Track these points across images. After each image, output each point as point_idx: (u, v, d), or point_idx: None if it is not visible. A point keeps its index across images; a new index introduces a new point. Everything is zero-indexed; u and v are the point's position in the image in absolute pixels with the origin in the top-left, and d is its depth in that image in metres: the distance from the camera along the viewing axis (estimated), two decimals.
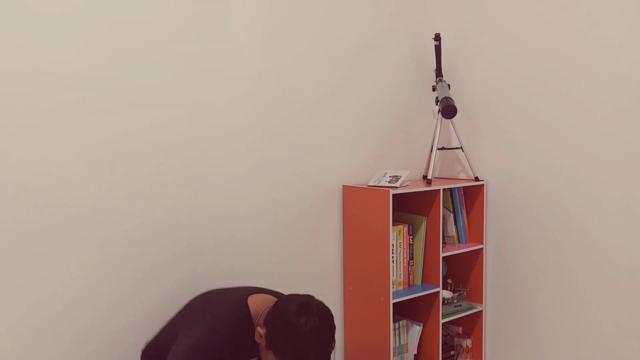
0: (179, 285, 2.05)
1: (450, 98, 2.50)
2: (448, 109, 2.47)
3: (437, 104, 2.61)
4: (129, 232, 1.93)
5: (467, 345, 2.69)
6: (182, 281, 2.06)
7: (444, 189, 2.44)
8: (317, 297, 2.41)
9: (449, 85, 2.62)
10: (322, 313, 1.59)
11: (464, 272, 2.72)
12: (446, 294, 2.57)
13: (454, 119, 2.55)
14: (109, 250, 1.89)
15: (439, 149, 2.63)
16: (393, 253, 2.35)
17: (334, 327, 1.62)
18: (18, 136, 1.70)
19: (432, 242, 2.45)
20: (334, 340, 1.61)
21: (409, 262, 2.44)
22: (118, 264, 1.91)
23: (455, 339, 2.73)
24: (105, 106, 1.85)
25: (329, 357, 1.58)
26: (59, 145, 1.77)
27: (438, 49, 2.63)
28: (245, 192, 2.20)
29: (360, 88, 2.54)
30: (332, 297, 2.49)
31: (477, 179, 2.63)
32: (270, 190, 2.27)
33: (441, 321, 2.45)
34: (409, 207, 2.53)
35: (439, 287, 2.44)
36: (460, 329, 2.73)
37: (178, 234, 2.04)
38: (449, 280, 2.69)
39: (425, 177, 2.72)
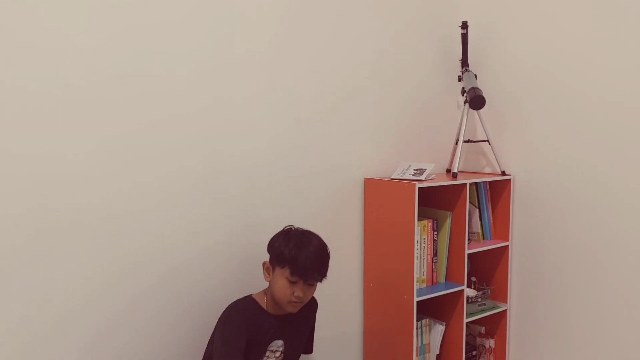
0: (196, 288, 1.98)
1: (478, 88, 2.40)
2: (476, 100, 2.37)
3: (463, 95, 2.52)
4: (146, 231, 1.85)
5: (490, 346, 2.60)
6: (200, 281, 1.99)
7: (470, 183, 2.35)
8: (336, 293, 2.33)
9: (475, 76, 2.52)
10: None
11: (488, 270, 2.62)
12: (470, 292, 2.47)
13: (480, 110, 2.45)
14: (124, 251, 1.81)
15: (464, 141, 2.53)
16: (417, 249, 2.26)
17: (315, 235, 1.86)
18: (29, 129, 1.62)
19: (457, 238, 2.36)
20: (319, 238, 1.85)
21: (432, 258, 2.35)
22: (133, 265, 1.84)
23: (478, 339, 2.63)
24: (120, 98, 1.77)
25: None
26: (72, 139, 1.69)
27: (465, 38, 2.53)
28: (265, 185, 2.11)
29: (384, 79, 2.44)
30: (351, 294, 2.40)
31: (503, 173, 2.52)
32: (290, 183, 2.18)
33: (465, 320, 2.36)
34: (433, 201, 2.43)
35: (463, 285, 2.35)
36: (483, 328, 2.63)
37: (195, 231, 1.96)
38: (473, 278, 2.59)
39: (449, 170, 2.62)
